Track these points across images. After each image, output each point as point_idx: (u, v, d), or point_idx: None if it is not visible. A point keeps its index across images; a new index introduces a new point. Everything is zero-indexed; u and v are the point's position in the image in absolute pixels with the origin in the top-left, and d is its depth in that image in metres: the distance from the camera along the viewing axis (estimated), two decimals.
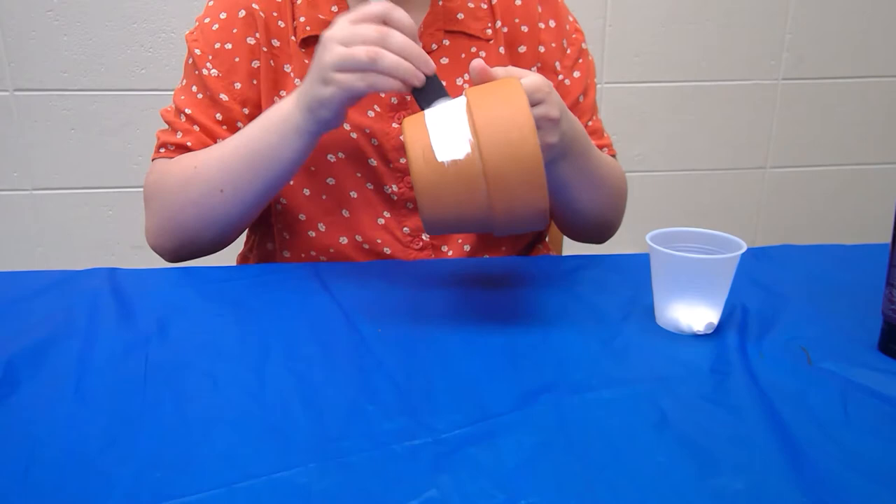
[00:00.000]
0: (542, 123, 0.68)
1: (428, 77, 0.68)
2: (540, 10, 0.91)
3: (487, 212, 0.61)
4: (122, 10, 1.64)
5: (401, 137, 0.85)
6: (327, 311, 0.71)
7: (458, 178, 0.60)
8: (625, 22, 1.81)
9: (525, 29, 0.90)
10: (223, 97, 0.85)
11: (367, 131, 0.85)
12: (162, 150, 0.86)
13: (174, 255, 0.85)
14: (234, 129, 0.85)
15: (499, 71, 0.68)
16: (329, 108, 0.71)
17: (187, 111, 0.85)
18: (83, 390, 0.57)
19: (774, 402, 0.55)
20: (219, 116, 0.85)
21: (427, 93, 0.68)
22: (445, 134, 0.61)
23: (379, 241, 0.87)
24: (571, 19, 0.95)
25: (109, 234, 1.78)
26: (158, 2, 1.65)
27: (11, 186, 1.72)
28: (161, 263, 0.82)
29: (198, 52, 0.86)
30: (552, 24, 0.91)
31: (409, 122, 0.63)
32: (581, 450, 0.50)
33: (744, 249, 0.64)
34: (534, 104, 0.68)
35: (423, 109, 0.66)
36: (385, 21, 0.68)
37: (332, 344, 0.64)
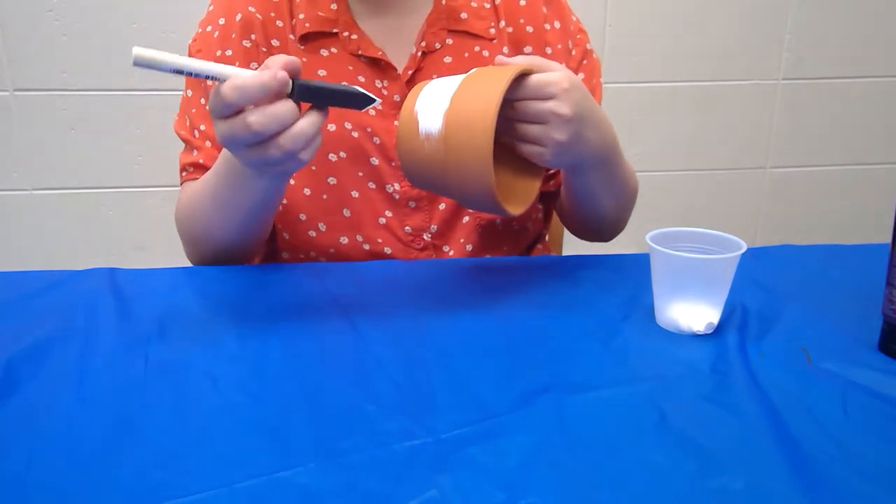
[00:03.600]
0: (549, 118, 0.68)
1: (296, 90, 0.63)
2: (545, 10, 0.91)
3: (448, 186, 0.69)
4: (122, 10, 1.64)
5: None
6: (327, 311, 0.71)
7: (428, 151, 0.67)
8: (625, 22, 1.81)
9: (530, 29, 0.90)
10: None
11: (369, 130, 0.85)
12: (184, 174, 0.86)
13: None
14: None
15: (522, 59, 0.70)
16: (282, 178, 0.73)
17: (202, 127, 0.85)
18: (83, 390, 0.57)
19: (774, 402, 0.55)
20: None
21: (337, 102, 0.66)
22: (430, 108, 0.67)
23: (380, 240, 0.87)
24: (575, 19, 0.95)
25: (109, 234, 1.78)
26: (158, 2, 1.65)
27: (11, 186, 1.72)
28: (161, 263, 0.82)
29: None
30: (557, 25, 0.91)
31: (413, 91, 0.70)
32: (581, 450, 0.50)
33: (744, 249, 0.64)
34: (545, 98, 0.68)
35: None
36: (227, 101, 0.61)
37: (332, 344, 0.64)
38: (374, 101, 0.65)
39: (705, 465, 0.48)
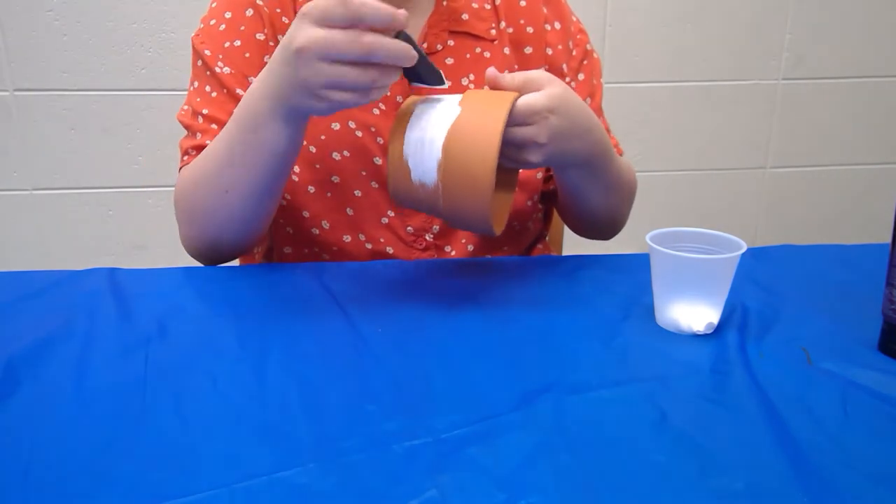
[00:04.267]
0: (526, 143, 0.70)
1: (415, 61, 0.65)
2: (545, 11, 0.91)
3: (442, 217, 0.70)
4: (122, 10, 1.64)
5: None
6: (327, 311, 0.71)
7: (422, 195, 0.68)
8: (625, 22, 1.81)
9: (531, 30, 0.90)
10: (240, 92, 0.83)
11: (373, 129, 0.85)
12: (185, 158, 0.85)
13: (208, 260, 0.84)
14: None
15: (514, 79, 0.71)
16: (320, 113, 0.69)
17: (204, 111, 0.84)
18: (83, 390, 0.57)
19: (774, 402, 0.55)
20: None
21: (414, 70, 0.67)
22: (421, 157, 0.67)
23: (382, 240, 0.87)
24: (575, 20, 0.95)
25: (109, 234, 1.78)
26: (158, 2, 1.65)
27: (11, 186, 1.72)
28: (161, 263, 0.82)
29: (207, 52, 0.85)
30: (557, 25, 0.92)
31: (397, 125, 0.69)
32: (581, 449, 0.50)
33: (744, 249, 0.64)
34: (526, 125, 0.69)
35: (410, 82, 0.68)
36: (355, 13, 0.61)
37: (332, 344, 0.64)
38: (444, 84, 0.67)
39: (705, 465, 0.48)
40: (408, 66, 0.64)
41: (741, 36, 1.86)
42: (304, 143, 0.85)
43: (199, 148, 0.83)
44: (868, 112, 1.96)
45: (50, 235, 1.76)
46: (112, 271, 0.78)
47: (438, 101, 0.69)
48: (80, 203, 1.75)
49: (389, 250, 0.87)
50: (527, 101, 0.69)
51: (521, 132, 0.69)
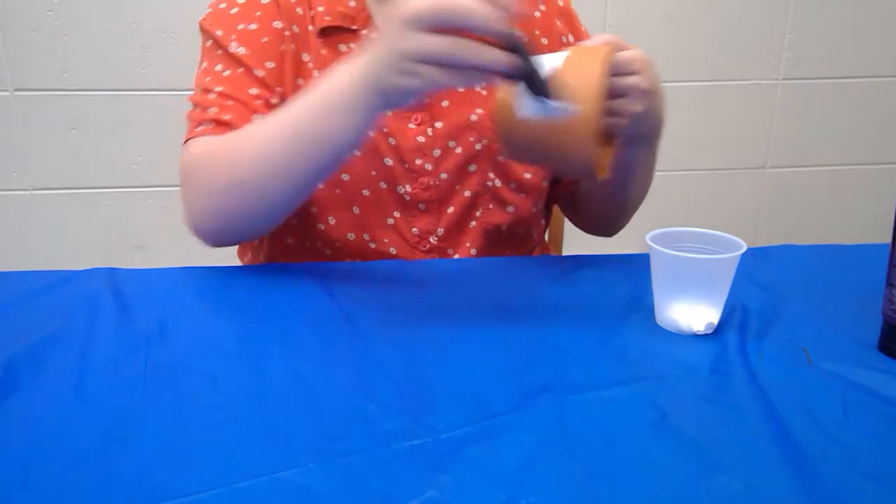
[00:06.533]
0: (629, 91, 0.73)
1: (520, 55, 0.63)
2: (559, 24, 0.92)
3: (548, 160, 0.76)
4: (122, 10, 1.64)
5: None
6: (327, 311, 0.71)
7: (525, 132, 0.69)
8: (625, 21, 1.81)
9: (545, 41, 0.91)
10: (258, 73, 0.82)
11: (385, 130, 0.85)
12: (199, 129, 0.81)
13: (215, 239, 0.81)
14: (270, 107, 0.82)
15: (601, 39, 0.74)
16: (407, 97, 0.64)
17: (217, 88, 0.81)
18: (83, 390, 0.57)
19: (774, 402, 0.55)
20: (254, 91, 0.82)
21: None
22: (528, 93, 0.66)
23: (386, 240, 0.87)
24: (584, 30, 0.96)
25: (109, 234, 1.78)
26: (158, 2, 1.65)
27: (11, 186, 1.72)
28: (161, 263, 0.82)
29: (219, 32, 0.83)
30: (571, 38, 0.94)
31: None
32: (581, 449, 0.50)
33: (744, 249, 0.64)
34: (628, 74, 0.73)
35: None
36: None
37: (332, 344, 0.64)
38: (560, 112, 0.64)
39: (705, 465, 0.48)
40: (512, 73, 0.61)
41: (741, 36, 1.86)
42: None
43: (217, 122, 0.81)
44: (868, 112, 1.96)
45: (50, 235, 1.76)
46: (112, 271, 0.78)
47: (540, 56, 0.70)
48: (80, 203, 1.75)
49: (392, 251, 0.87)
50: (627, 52, 0.73)
51: (625, 79, 0.73)
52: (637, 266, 0.75)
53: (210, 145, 0.79)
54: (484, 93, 0.89)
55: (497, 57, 0.60)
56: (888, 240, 0.63)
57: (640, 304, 0.71)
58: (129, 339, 0.64)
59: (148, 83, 1.69)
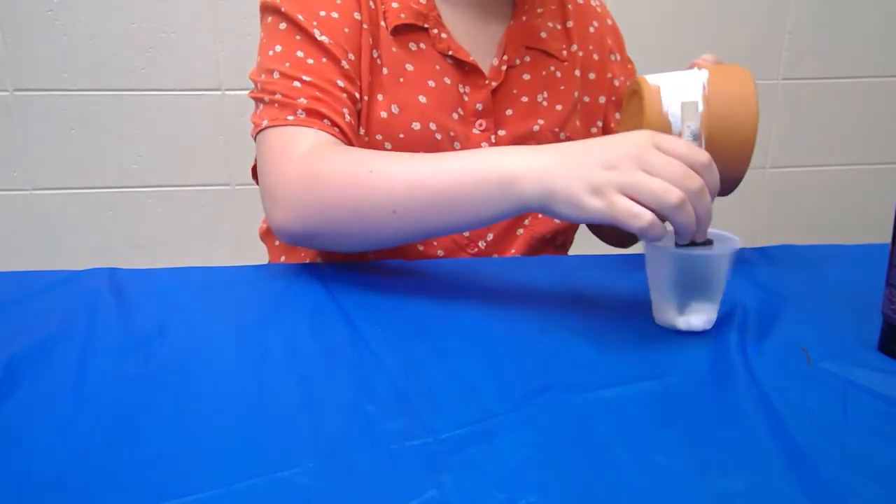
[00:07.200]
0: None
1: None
2: (609, 42, 0.93)
3: None
4: (122, 10, 1.64)
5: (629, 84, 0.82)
6: (327, 311, 0.71)
7: None
8: (625, 21, 1.81)
9: (596, 57, 0.93)
10: (345, 65, 0.77)
11: (452, 134, 0.85)
12: (290, 118, 0.75)
13: (295, 242, 0.77)
14: (355, 101, 0.79)
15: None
16: (575, 213, 0.60)
17: (305, 77, 0.76)
18: (83, 390, 0.57)
19: (774, 402, 0.55)
20: (341, 83, 0.77)
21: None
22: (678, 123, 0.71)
23: (435, 243, 0.87)
24: (626, 48, 0.98)
25: (109, 234, 1.78)
26: (158, 2, 1.65)
27: (11, 186, 1.72)
28: (161, 263, 0.82)
29: (300, 17, 0.78)
30: (618, 57, 0.96)
31: (647, 88, 0.74)
32: (581, 450, 0.50)
33: (738, 244, 0.64)
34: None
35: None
36: (698, 171, 0.58)
37: (332, 344, 0.64)
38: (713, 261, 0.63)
39: (705, 465, 0.48)
40: (698, 240, 0.61)
41: (741, 36, 1.85)
42: (381, 138, 0.83)
43: (313, 113, 0.76)
44: (868, 112, 1.96)
45: (50, 235, 1.76)
46: (112, 271, 0.78)
47: (675, 72, 0.75)
48: (80, 203, 1.75)
49: (440, 253, 0.87)
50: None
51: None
52: (637, 266, 0.75)
53: (328, 153, 0.73)
54: (545, 104, 0.89)
55: (693, 229, 0.58)
56: (888, 240, 0.63)
57: (639, 303, 0.71)
58: (129, 339, 0.64)
59: (148, 83, 1.69)
